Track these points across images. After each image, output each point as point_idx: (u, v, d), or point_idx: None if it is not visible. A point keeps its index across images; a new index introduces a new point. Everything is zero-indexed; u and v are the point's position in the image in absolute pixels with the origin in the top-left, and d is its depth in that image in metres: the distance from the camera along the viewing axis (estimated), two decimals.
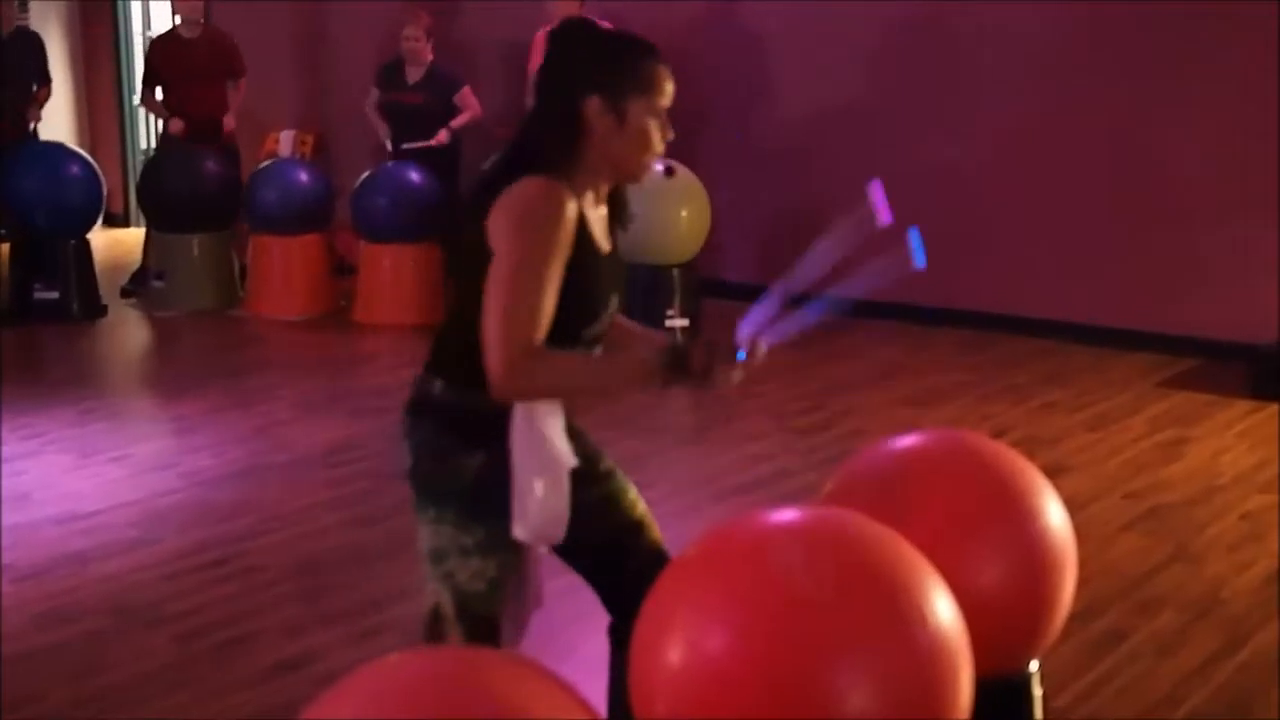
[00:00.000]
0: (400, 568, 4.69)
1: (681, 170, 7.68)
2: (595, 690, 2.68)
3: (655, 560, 2.92)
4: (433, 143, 8.72)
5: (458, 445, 2.74)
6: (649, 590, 2.80)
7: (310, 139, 10.41)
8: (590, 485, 2.87)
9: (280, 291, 8.77)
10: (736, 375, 2.66)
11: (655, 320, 7.34)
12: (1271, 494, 5.44)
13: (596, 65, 2.70)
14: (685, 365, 2.60)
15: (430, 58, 8.81)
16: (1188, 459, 5.87)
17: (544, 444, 2.69)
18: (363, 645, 4.10)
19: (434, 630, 2.82)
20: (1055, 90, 7.80)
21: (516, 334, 2.55)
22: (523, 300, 2.57)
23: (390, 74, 8.91)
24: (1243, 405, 6.64)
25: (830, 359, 7.53)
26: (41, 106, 9.22)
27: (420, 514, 2.80)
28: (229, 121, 9.04)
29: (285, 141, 10.18)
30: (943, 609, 2.42)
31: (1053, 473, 3.04)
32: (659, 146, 2.74)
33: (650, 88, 2.70)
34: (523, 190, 2.62)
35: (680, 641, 2.39)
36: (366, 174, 8.64)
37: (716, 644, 2.35)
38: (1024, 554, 2.84)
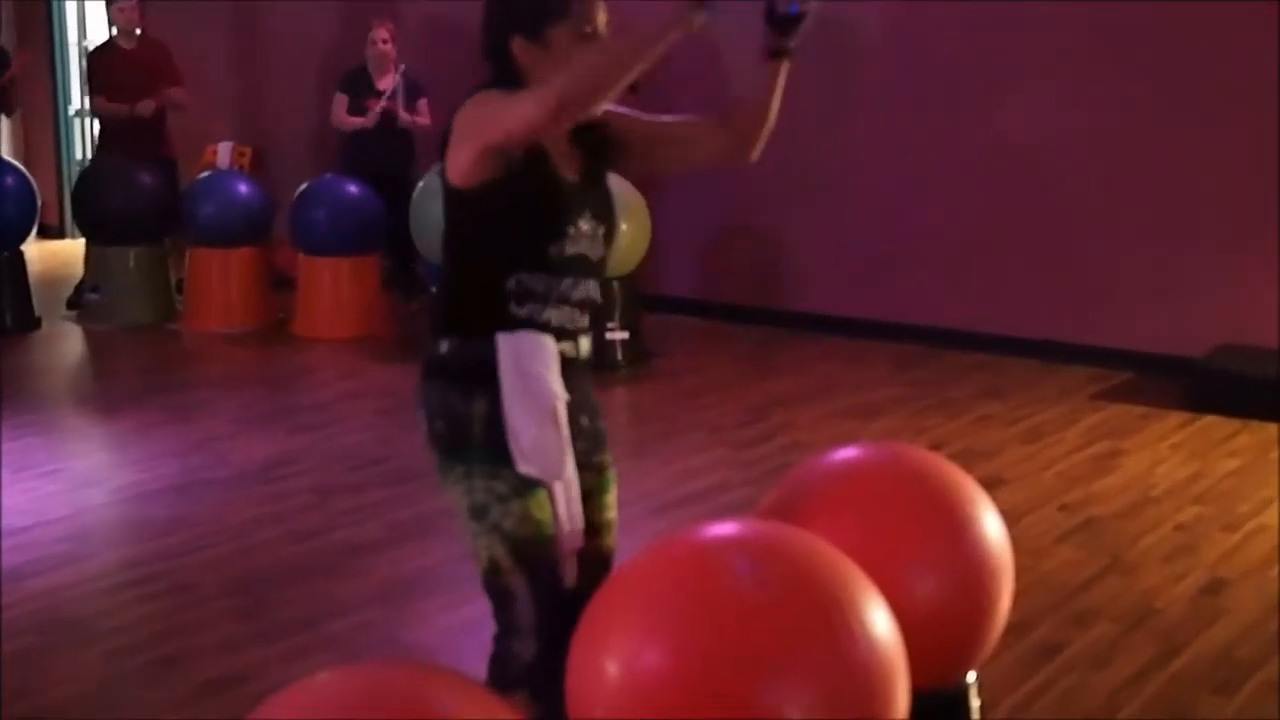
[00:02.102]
0: (334, 584, 4.67)
1: (621, 183, 7.66)
2: None
3: (601, 565, 2.96)
4: (405, 119, 8.54)
5: (463, 397, 2.80)
6: (588, 593, 2.80)
7: (249, 151, 10.35)
8: (583, 467, 2.91)
9: (218, 305, 8.70)
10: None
11: (595, 334, 7.33)
12: (1205, 505, 5.50)
13: (511, 6, 2.81)
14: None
15: (395, 65, 8.72)
16: (1122, 471, 5.93)
17: (530, 381, 2.76)
18: (298, 663, 4.06)
19: (496, 586, 2.84)
20: (987, 105, 7.86)
21: (542, 99, 2.59)
22: (518, 99, 2.65)
23: (357, 80, 8.81)
24: (1176, 417, 6.71)
25: (768, 374, 7.56)
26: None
27: (447, 476, 2.85)
28: (180, 96, 8.94)
29: (223, 153, 10.12)
30: (879, 621, 2.43)
31: (989, 485, 3.06)
32: None
33: (567, 12, 2.77)
34: (481, 92, 2.78)
35: (617, 651, 2.39)
36: (304, 186, 8.59)
37: (653, 655, 2.35)
38: (962, 566, 2.86)
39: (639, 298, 8.01)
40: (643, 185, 7.82)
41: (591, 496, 2.96)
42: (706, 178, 8.74)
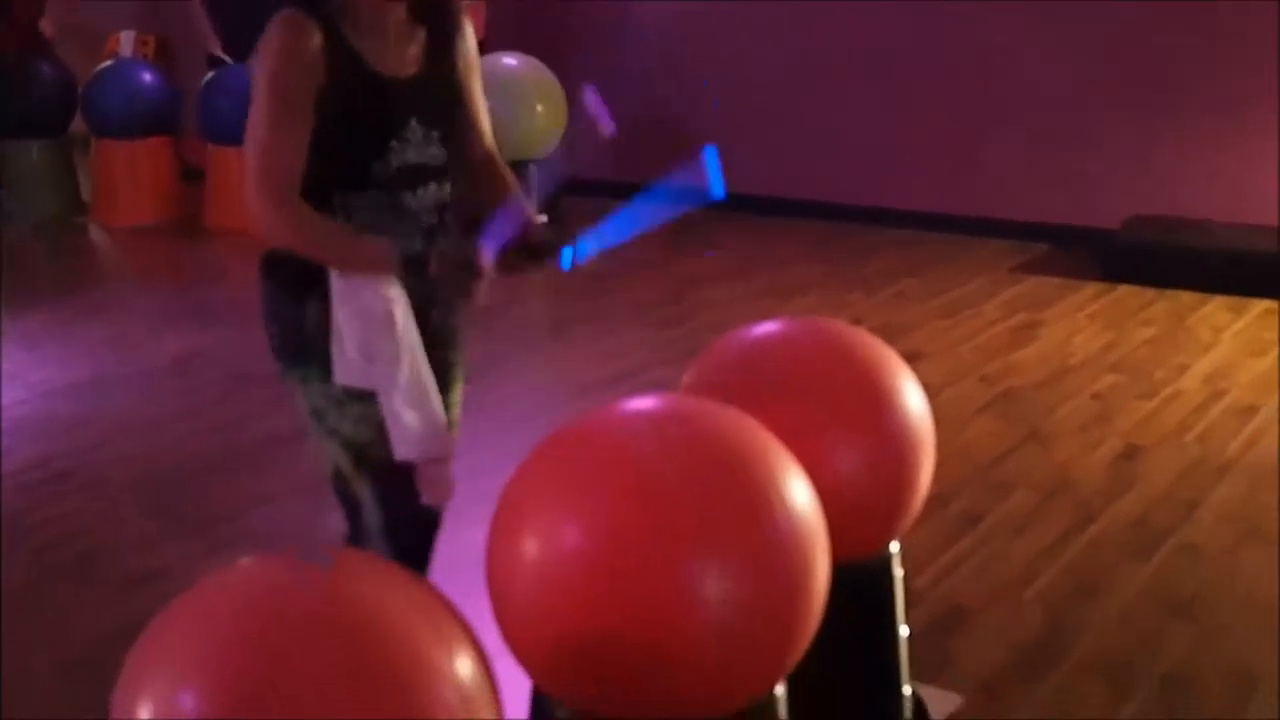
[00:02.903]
0: (251, 478, 4.62)
1: (536, 65, 7.58)
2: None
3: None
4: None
5: (295, 301, 2.69)
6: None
7: (151, 40, 10.06)
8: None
9: (127, 198, 8.51)
10: (480, 292, 2.60)
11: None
12: (1120, 374, 5.56)
13: None
14: (421, 272, 2.60)
15: None
16: (1040, 342, 5.98)
17: (360, 285, 2.62)
18: (215, 558, 4.02)
19: (341, 490, 2.77)
20: None
21: (263, 178, 2.53)
22: (257, 140, 2.55)
23: None
24: (1093, 288, 6.76)
25: (686, 254, 7.52)
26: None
27: (287, 378, 2.76)
28: (43, 24, 8.72)
29: (125, 42, 9.82)
30: (799, 493, 2.42)
31: (908, 360, 3.04)
32: None
33: None
34: (266, 30, 2.59)
35: (534, 530, 2.36)
36: (210, 75, 8.39)
37: (571, 533, 2.32)
38: (883, 437, 2.85)
39: (556, 180, 7.92)
40: (556, 64, 7.72)
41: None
42: (624, 58, 8.63)
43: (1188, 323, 6.21)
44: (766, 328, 3.10)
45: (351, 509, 2.77)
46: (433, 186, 2.71)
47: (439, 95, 2.73)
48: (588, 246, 2.68)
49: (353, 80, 2.59)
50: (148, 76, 8.65)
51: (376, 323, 2.63)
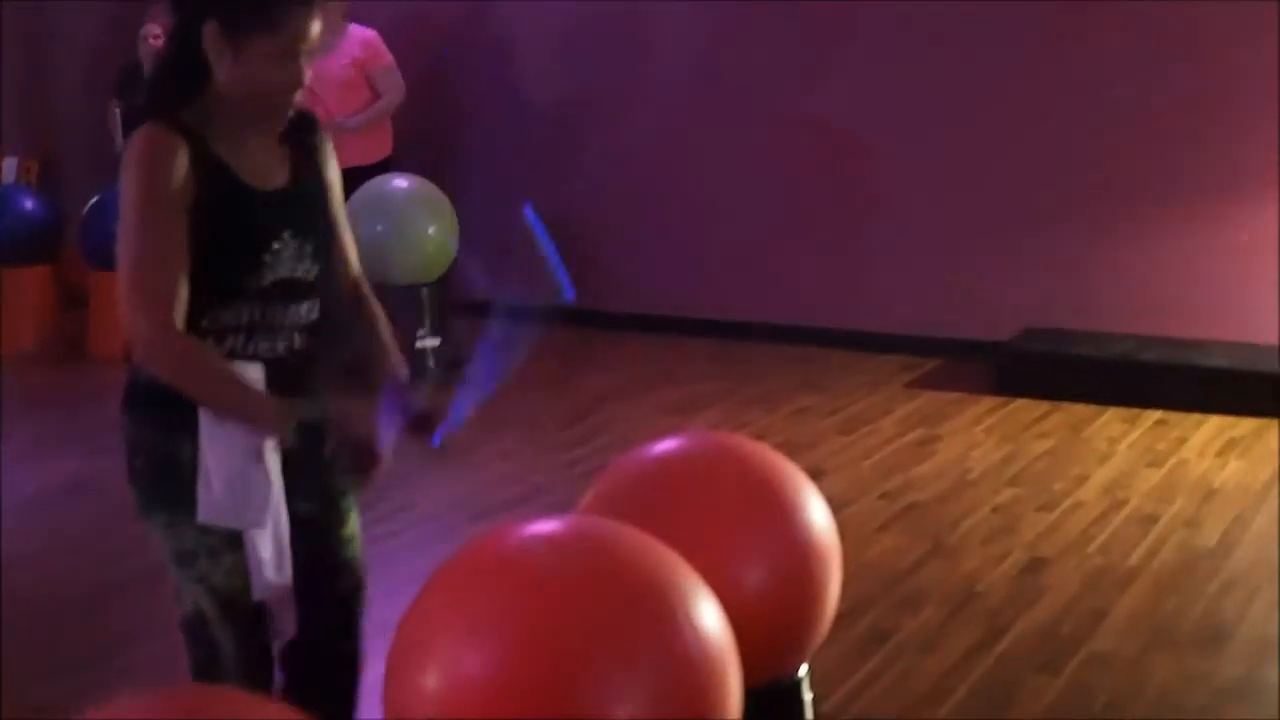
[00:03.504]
0: (141, 608, 4.43)
1: (427, 185, 7.52)
2: None
3: (342, 608, 2.78)
4: None
5: (166, 434, 2.54)
6: (322, 646, 2.75)
7: (35, 165, 9.91)
8: (303, 498, 2.66)
9: (8, 326, 8.31)
10: (369, 477, 2.58)
11: (406, 341, 7.15)
12: (1019, 486, 5.56)
13: None
14: (316, 448, 2.54)
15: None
16: (938, 456, 5.96)
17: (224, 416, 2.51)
18: (95, 695, 3.83)
19: (198, 636, 2.62)
20: (791, 102, 7.88)
21: (141, 299, 2.41)
22: (132, 258, 2.43)
23: (129, 79, 8.50)
24: (988, 401, 6.78)
25: (584, 374, 7.46)
26: None
27: (149, 519, 2.60)
28: None
29: (8, 169, 9.67)
30: (708, 616, 2.35)
31: (811, 476, 3.00)
32: (281, 95, 2.53)
33: (274, 28, 2.46)
34: (127, 144, 2.50)
35: (436, 659, 2.27)
36: (95, 199, 8.24)
37: (474, 661, 2.23)
38: (790, 555, 2.79)
39: (447, 302, 7.85)
40: (448, 188, 7.68)
41: (328, 531, 2.73)
42: (512, 178, 8.63)
43: (1083, 434, 6.24)
44: (666, 445, 3.04)
45: (210, 653, 2.63)
46: (305, 304, 2.61)
47: (308, 208, 2.65)
48: (456, 420, 2.64)
49: (222, 193, 2.50)
50: (29, 203, 8.52)
51: (246, 459, 2.51)
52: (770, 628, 2.72)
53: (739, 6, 7.96)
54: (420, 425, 2.63)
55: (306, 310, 2.62)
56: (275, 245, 2.55)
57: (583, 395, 7.03)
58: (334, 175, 2.72)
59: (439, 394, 2.60)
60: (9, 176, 9.62)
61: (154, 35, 8.41)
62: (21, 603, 4.54)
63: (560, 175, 8.57)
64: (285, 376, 2.57)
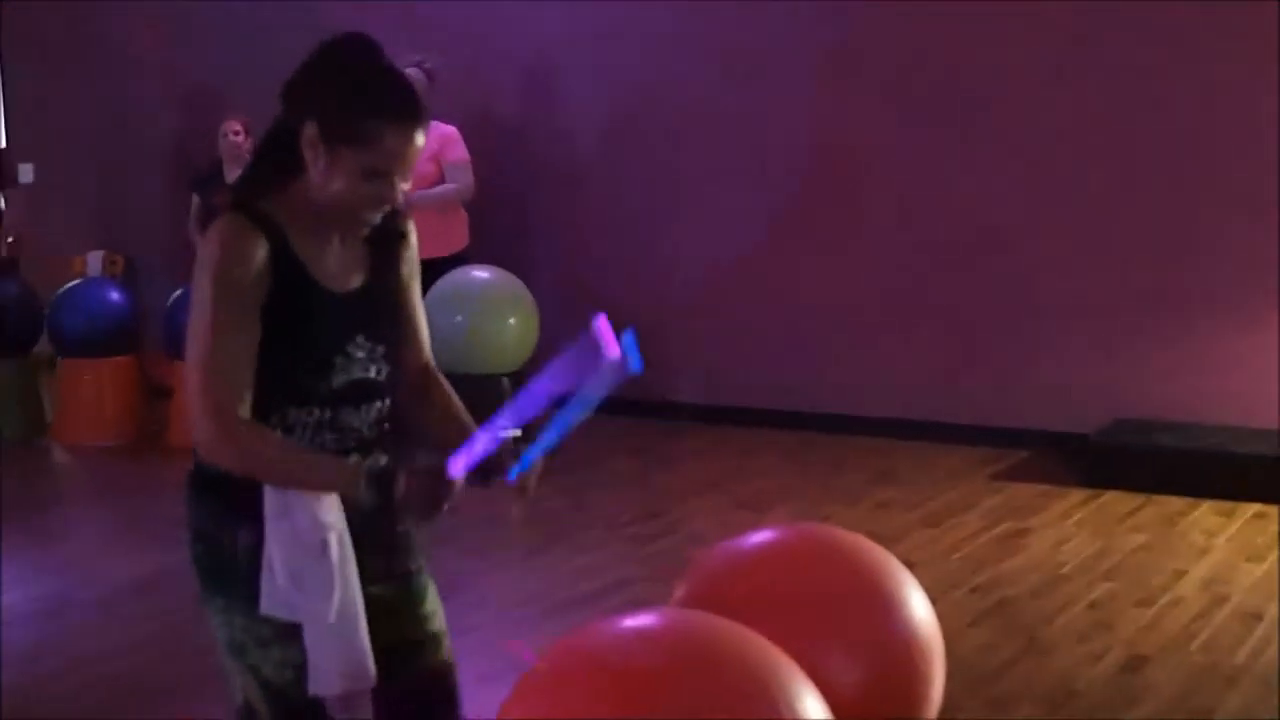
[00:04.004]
0: (220, 703, 4.37)
1: (507, 276, 7.53)
2: None
3: (433, 687, 2.68)
4: None
5: (227, 520, 2.50)
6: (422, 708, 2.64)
7: (120, 259, 10.04)
8: (375, 580, 2.59)
9: (91, 418, 8.37)
10: (443, 509, 2.44)
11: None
12: (1115, 581, 5.41)
13: (328, 91, 2.45)
14: (389, 492, 2.41)
15: (250, 157, 8.55)
16: (1029, 550, 5.83)
17: (295, 512, 2.45)
18: None
19: None
20: (866, 175, 7.84)
21: (210, 394, 2.37)
22: (202, 352, 2.39)
23: (209, 177, 8.63)
24: (1077, 494, 6.64)
25: (660, 467, 7.38)
26: None
27: (209, 604, 2.55)
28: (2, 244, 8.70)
29: (93, 262, 9.78)
30: (813, 712, 2.26)
31: None
32: (366, 210, 2.48)
33: (365, 143, 2.41)
34: (207, 234, 2.46)
35: None
36: (179, 292, 8.31)
37: None
38: (893, 650, 2.70)
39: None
40: (528, 280, 7.68)
41: (401, 611, 2.66)
42: (589, 270, 8.63)
43: (1179, 528, 6.08)
44: (760, 536, 2.96)
45: None
46: (376, 404, 2.58)
47: (383, 310, 2.61)
48: (529, 458, 2.53)
49: (297, 293, 2.45)
50: (114, 295, 8.60)
51: (310, 550, 2.46)
52: None
53: (825, 89, 7.95)
54: (493, 466, 2.53)
55: (378, 410, 2.59)
56: (348, 348, 2.52)
57: (657, 489, 6.95)
58: (413, 260, 2.69)
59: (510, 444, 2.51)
60: (94, 270, 9.73)
61: (234, 131, 8.54)
62: (97, 699, 4.50)
63: (631, 266, 8.56)
64: (382, 475, 2.49)
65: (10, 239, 8.76)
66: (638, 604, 5.14)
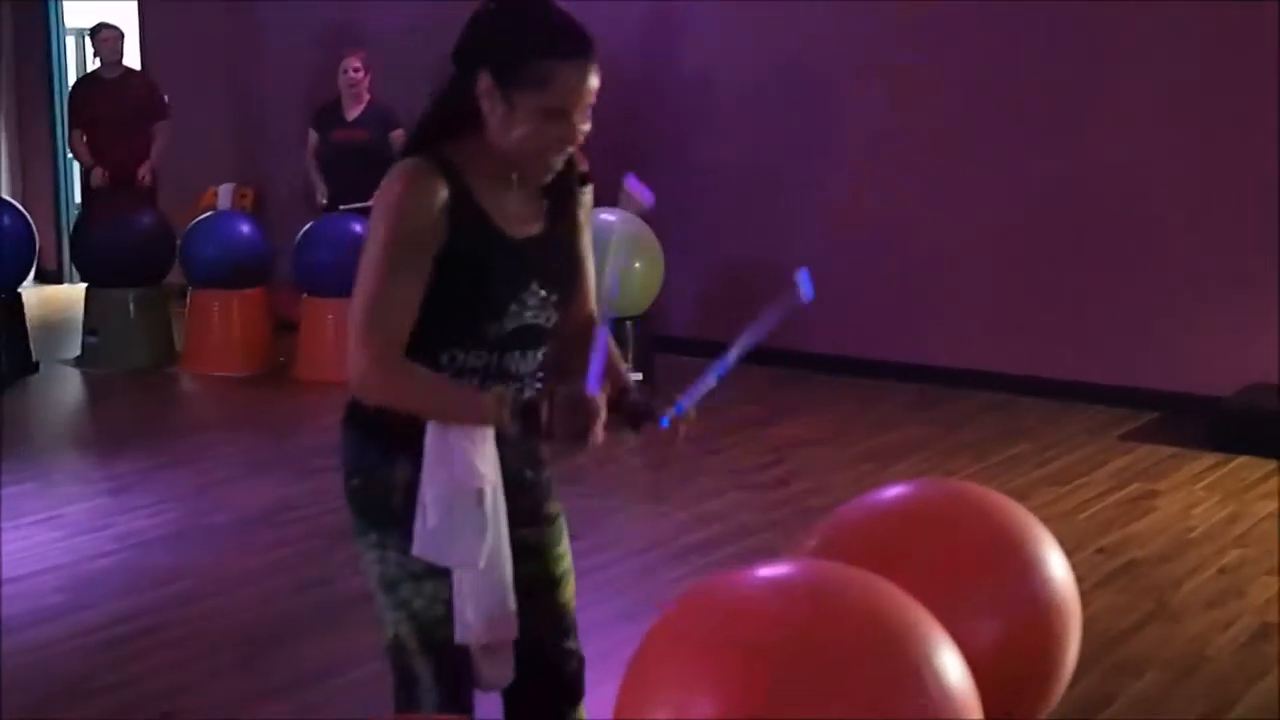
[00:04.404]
0: (345, 634, 4.45)
1: (633, 221, 7.50)
2: None
3: (559, 620, 2.71)
4: (370, 204, 8.54)
5: (383, 457, 2.53)
6: (548, 647, 2.67)
7: (250, 193, 10.18)
8: (522, 524, 2.61)
9: (219, 348, 8.51)
10: (597, 436, 2.39)
11: None
12: (1246, 548, 5.30)
13: (497, 40, 2.45)
14: (534, 420, 2.38)
15: (369, 94, 8.63)
16: (1158, 513, 5.73)
17: (454, 460, 2.46)
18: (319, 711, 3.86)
19: (399, 663, 2.58)
20: (1008, 141, 7.71)
21: (369, 332, 2.39)
22: (368, 292, 2.40)
23: (328, 114, 8.72)
24: (1207, 458, 6.51)
25: (783, 416, 7.35)
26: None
27: (361, 540, 2.58)
28: (142, 171, 8.82)
29: (224, 195, 9.93)
30: (951, 666, 2.24)
31: None
32: (550, 153, 2.48)
33: (543, 85, 2.40)
34: (388, 176, 2.46)
35: (667, 703, 2.19)
36: (308, 226, 8.41)
37: (710, 708, 2.14)
38: (1030, 608, 2.67)
39: (652, 338, 7.83)
40: (653, 221, 7.66)
41: (542, 550, 2.68)
42: (719, 214, 8.60)
43: None
44: (896, 490, 2.94)
45: (406, 684, 2.59)
46: (540, 350, 2.59)
47: (559, 257, 2.60)
48: (683, 405, 2.53)
49: (477, 239, 2.46)
50: (245, 228, 8.71)
51: (464, 499, 2.47)
52: (1008, 683, 2.59)
53: (974, 55, 7.83)
54: (644, 412, 2.54)
55: (540, 356, 2.60)
56: (523, 295, 2.52)
57: (779, 438, 6.92)
58: (587, 210, 2.68)
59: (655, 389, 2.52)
60: (225, 203, 9.88)
61: (353, 68, 8.59)
62: (231, 626, 4.60)
63: (765, 216, 8.51)
64: (528, 406, 2.48)
65: (148, 171, 8.89)
66: (759, 552, 5.17)
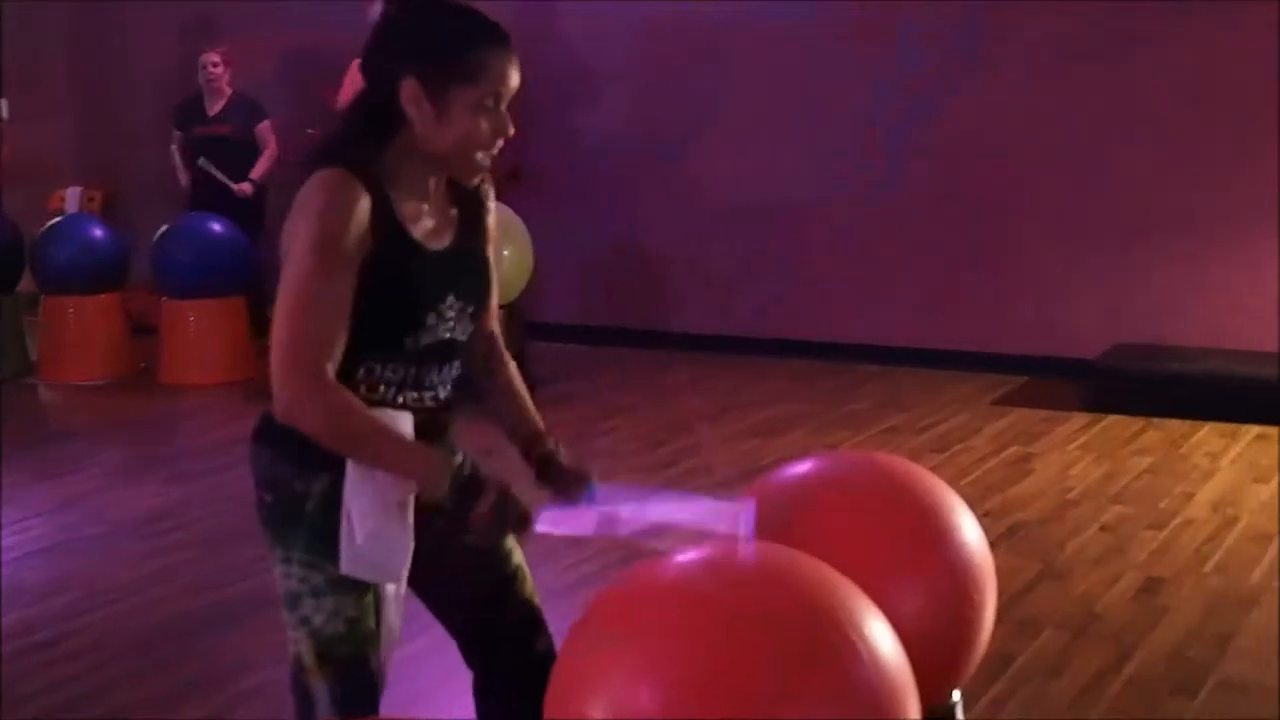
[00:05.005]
0: (247, 635, 4.34)
1: (500, 208, 7.42)
2: None
3: (523, 618, 2.69)
4: (235, 190, 8.40)
5: (295, 471, 2.45)
6: (516, 647, 2.65)
7: (98, 195, 9.90)
8: (464, 529, 2.51)
9: (77, 356, 8.28)
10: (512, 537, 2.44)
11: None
12: (1125, 505, 5.42)
13: (419, 42, 2.38)
14: (469, 504, 2.35)
15: (229, 88, 8.48)
16: (1036, 475, 5.84)
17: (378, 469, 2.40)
18: (240, 712, 3.82)
19: (298, 682, 2.50)
20: (867, 117, 7.78)
21: (299, 351, 2.29)
22: (293, 307, 2.31)
23: (189, 110, 8.54)
24: (1078, 419, 6.65)
25: (664, 398, 7.35)
26: None
27: (273, 555, 2.51)
28: None
29: (72, 198, 9.67)
30: (883, 639, 2.23)
31: None
32: (487, 146, 2.42)
33: (475, 78, 2.36)
34: (306, 186, 2.36)
35: (605, 703, 2.15)
36: (166, 228, 8.21)
37: (647, 702, 2.11)
38: (950, 577, 2.67)
39: (524, 325, 7.77)
40: (523, 210, 7.60)
41: (489, 551, 2.63)
42: (588, 200, 8.56)
43: (1182, 451, 6.10)
44: (805, 466, 2.92)
45: (305, 704, 2.50)
46: (455, 362, 2.54)
47: (472, 269, 2.54)
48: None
49: (397, 251, 2.38)
50: (97, 231, 8.48)
51: (389, 509, 2.41)
52: (932, 652, 2.59)
53: (829, 27, 7.87)
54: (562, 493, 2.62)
55: (455, 368, 2.55)
56: (440, 307, 2.46)
57: (665, 419, 6.92)
58: (494, 224, 2.63)
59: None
60: (73, 206, 9.61)
61: (212, 63, 8.42)
62: (135, 631, 4.47)
63: (635, 198, 8.49)
64: (429, 428, 2.48)
65: None
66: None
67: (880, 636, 2.23)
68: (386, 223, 2.37)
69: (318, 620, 2.46)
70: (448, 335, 2.48)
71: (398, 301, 2.39)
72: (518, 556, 2.70)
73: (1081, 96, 7.24)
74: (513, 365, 2.74)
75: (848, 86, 7.84)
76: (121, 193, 10.10)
